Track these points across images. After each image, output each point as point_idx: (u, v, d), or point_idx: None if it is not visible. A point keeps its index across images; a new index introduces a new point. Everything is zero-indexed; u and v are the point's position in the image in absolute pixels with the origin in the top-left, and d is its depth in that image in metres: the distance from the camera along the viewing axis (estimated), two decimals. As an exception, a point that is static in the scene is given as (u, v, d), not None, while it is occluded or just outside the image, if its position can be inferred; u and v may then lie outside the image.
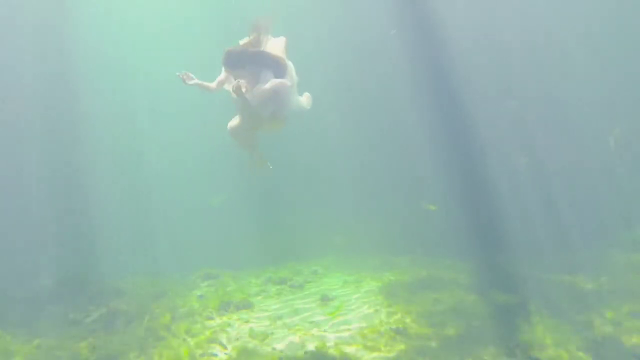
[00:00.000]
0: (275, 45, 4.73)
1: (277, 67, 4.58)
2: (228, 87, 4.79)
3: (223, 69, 4.86)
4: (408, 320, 6.39)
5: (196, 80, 5.02)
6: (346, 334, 6.13)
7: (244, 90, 4.42)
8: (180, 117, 16.26)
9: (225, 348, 5.89)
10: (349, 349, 5.57)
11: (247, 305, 7.56)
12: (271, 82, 4.49)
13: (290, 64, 4.81)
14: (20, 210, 11.98)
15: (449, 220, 10.32)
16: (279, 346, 5.86)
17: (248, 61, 4.51)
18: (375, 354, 5.46)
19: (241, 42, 4.63)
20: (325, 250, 11.31)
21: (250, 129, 4.88)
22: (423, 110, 12.48)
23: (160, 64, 15.87)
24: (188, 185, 15.19)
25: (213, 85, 5.04)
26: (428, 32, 12.31)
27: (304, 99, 5.04)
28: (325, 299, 7.73)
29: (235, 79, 4.52)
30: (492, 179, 10.78)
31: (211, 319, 7.08)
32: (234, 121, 4.98)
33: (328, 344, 5.71)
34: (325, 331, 6.28)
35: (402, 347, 5.64)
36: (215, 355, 5.71)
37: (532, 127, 12.67)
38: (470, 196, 10.86)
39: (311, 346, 5.72)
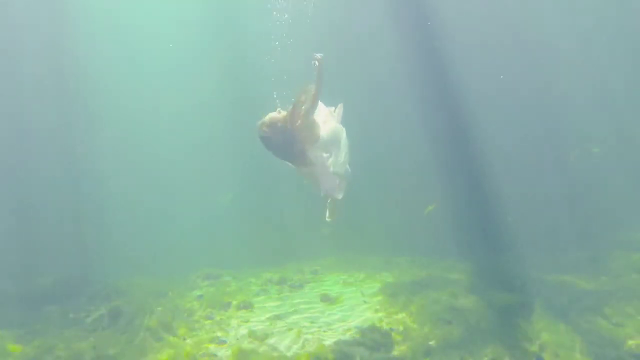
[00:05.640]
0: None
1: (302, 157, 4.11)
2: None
3: None
4: (408, 320, 6.39)
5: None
6: (346, 333, 6.13)
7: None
8: (181, 117, 16.27)
9: (225, 348, 5.89)
10: (349, 349, 5.57)
11: (247, 305, 7.56)
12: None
13: (330, 130, 4.36)
14: (21, 210, 11.99)
15: (448, 220, 10.32)
16: (279, 346, 5.86)
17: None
18: (375, 354, 5.46)
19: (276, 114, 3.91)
20: (326, 250, 11.30)
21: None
22: (423, 110, 12.47)
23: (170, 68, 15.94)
24: (188, 186, 15.19)
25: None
26: (426, 32, 12.33)
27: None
28: (325, 299, 7.73)
29: None
30: (492, 179, 10.78)
31: (211, 319, 7.09)
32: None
33: (328, 344, 5.71)
34: (325, 331, 6.29)
35: (402, 347, 5.64)
36: (215, 355, 5.71)
37: (533, 127, 12.69)
38: (470, 196, 10.87)
39: (311, 346, 5.72)
